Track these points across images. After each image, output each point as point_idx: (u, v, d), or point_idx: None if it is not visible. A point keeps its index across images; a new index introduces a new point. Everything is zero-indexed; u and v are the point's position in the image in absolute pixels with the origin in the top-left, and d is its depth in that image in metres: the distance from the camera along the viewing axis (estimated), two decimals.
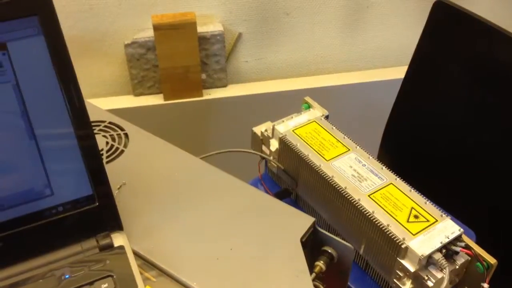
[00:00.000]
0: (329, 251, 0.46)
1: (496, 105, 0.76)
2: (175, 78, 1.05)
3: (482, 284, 0.57)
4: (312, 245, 0.47)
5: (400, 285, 0.58)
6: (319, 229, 0.46)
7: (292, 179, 0.71)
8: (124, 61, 1.06)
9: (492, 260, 0.57)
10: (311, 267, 0.45)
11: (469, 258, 0.58)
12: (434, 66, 0.84)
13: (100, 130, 0.56)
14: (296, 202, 0.73)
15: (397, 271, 0.58)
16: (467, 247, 0.58)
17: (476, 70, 0.78)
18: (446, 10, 0.78)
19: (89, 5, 0.98)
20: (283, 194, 0.73)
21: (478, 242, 0.59)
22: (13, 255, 0.41)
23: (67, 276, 0.40)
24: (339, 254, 0.46)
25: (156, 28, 0.98)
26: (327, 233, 0.46)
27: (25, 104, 0.41)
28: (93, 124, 0.56)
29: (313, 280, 0.45)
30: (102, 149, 0.54)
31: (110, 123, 0.57)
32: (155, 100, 1.08)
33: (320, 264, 0.46)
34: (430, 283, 0.56)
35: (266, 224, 0.46)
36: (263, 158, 0.75)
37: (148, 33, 1.02)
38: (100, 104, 1.03)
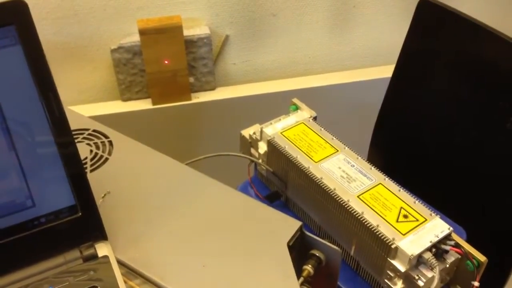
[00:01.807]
0: (317, 254, 0.46)
1: (483, 103, 0.76)
2: (163, 82, 1.04)
3: (473, 282, 0.57)
4: (300, 249, 0.47)
5: (391, 285, 0.58)
6: (307, 232, 0.46)
7: (281, 182, 0.70)
8: (110, 66, 1.05)
9: (482, 258, 0.57)
10: (299, 271, 0.45)
11: (459, 257, 0.58)
12: (421, 64, 0.84)
13: (84, 138, 0.56)
14: (286, 205, 0.73)
15: (387, 271, 0.58)
16: (456, 245, 0.58)
17: (463, 68, 0.78)
18: (431, 8, 0.78)
19: (73, 10, 0.97)
20: (273, 197, 0.72)
21: (468, 239, 0.59)
22: None
23: None
24: (327, 257, 0.46)
25: (142, 32, 0.98)
26: (314, 236, 0.46)
27: (4, 115, 0.40)
28: (76, 132, 0.56)
29: (301, 284, 0.45)
30: (86, 158, 0.53)
31: (94, 130, 0.57)
32: (143, 105, 1.08)
33: (308, 268, 0.46)
34: (420, 283, 0.56)
35: (252, 230, 0.46)
36: (252, 161, 0.74)
37: (134, 38, 1.02)
38: (88, 110, 1.03)
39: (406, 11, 1.10)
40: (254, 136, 0.73)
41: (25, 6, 0.40)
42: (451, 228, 0.58)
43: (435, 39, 0.80)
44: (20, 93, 0.41)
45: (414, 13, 0.80)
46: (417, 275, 0.56)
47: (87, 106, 1.07)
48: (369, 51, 1.18)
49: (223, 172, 0.68)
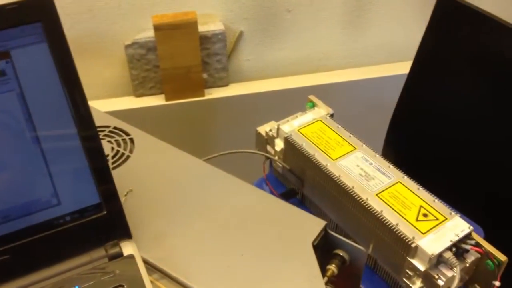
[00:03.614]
0: (341, 254, 0.46)
1: (501, 100, 0.75)
2: (177, 78, 1.04)
3: (494, 282, 0.57)
4: (323, 248, 0.47)
5: (410, 284, 0.58)
6: (331, 232, 0.46)
7: (298, 179, 0.70)
8: (124, 62, 1.05)
9: (502, 257, 0.56)
10: (323, 271, 0.45)
11: (479, 256, 0.57)
12: (438, 61, 0.83)
13: (105, 135, 0.56)
14: (302, 202, 0.73)
15: (406, 270, 0.57)
16: (477, 244, 0.57)
17: (481, 65, 0.77)
18: (451, 4, 0.77)
19: (88, 6, 0.97)
20: (289, 194, 0.72)
21: (486, 239, 0.58)
22: (21, 267, 0.40)
23: (77, 287, 0.40)
24: (351, 257, 0.46)
25: (157, 28, 0.98)
26: (338, 236, 0.45)
27: (30, 113, 0.40)
28: (97, 129, 0.55)
29: (325, 283, 0.44)
30: (107, 155, 0.53)
31: (115, 128, 0.57)
32: (157, 100, 1.07)
33: (332, 268, 0.46)
34: (440, 282, 0.56)
35: (276, 228, 0.46)
36: (268, 158, 0.74)
37: (148, 34, 1.01)
38: (101, 106, 1.03)
39: (423, 7, 1.09)
40: (270, 133, 0.72)
41: (52, 3, 0.40)
42: (471, 227, 0.58)
43: (454, 36, 0.79)
44: (46, 90, 0.41)
45: (433, 9, 0.80)
46: (437, 275, 0.56)
47: (100, 101, 1.07)
48: (384, 48, 1.17)
49: (237, 168, 0.68)
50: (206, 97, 1.08)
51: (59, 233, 0.41)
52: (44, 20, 0.40)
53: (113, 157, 0.53)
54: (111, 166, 0.52)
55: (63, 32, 0.40)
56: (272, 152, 0.73)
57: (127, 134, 0.56)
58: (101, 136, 0.55)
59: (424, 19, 0.81)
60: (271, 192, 0.73)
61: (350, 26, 1.12)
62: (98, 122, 0.51)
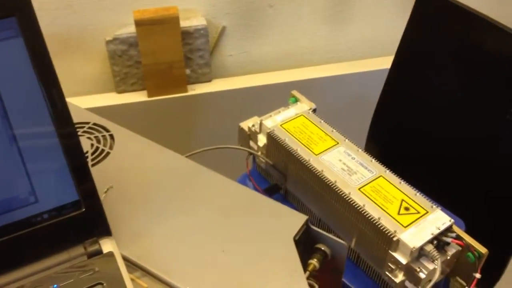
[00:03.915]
0: (323, 248, 0.46)
1: (483, 94, 0.76)
2: (159, 74, 1.03)
3: (474, 274, 0.57)
4: (305, 243, 0.47)
5: (392, 278, 0.58)
6: (312, 226, 0.46)
7: (281, 174, 0.70)
8: (105, 58, 1.04)
9: (483, 250, 0.57)
10: (304, 265, 0.45)
11: (460, 249, 0.58)
12: (420, 55, 0.83)
13: (84, 132, 0.55)
14: (286, 197, 0.73)
15: (389, 263, 0.58)
16: (458, 237, 0.58)
17: (463, 60, 0.78)
18: None
19: (68, 1, 0.95)
20: (272, 190, 0.72)
21: (467, 231, 0.59)
22: None
23: (55, 286, 0.39)
24: (333, 251, 0.46)
25: (138, 23, 0.97)
26: (320, 230, 0.45)
27: (5, 109, 0.39)
28: (76, 126, 0.55)
29: (307, 278, 0.44)
30: (87, 152, 0.52)
31: (94, 124, 0.56)
32: (139, 97, 1.06)
33: (314, 262, 0.46)
34: (422, 275, 0.56)
35: (258, 224, 0.46)
36: (251, 153, 0.74)
37: (130, 29, 1.00)
38: (82, 103, 1.02)
39: (405, 1, 1.10)
40: (253, 129, 0.72)
41: None
42: (452, 220, 0.58)
43: (435, 31, 0.80)
44: (21, 86, 0.40)
45: (414, 3, 0.80)
46: (419, 267, 0.56)
47: (81, 98, 1.06)
48: (367, 43, 1.18)
49: (220, 164, 0.68)
50: (189, 93, 1.08)
51: (37, 231, 0.41)
52: (19, 14, 0.39)
53: (92, 153, 0.53)
54: (90, 163, 0.51)
55: (39, 27, 0.40)
56: (255, 147, 0.73)
57: (107, 131, 0.55)
58: (80, 133, 0.55)
59: (406, 13, 0.82)
60: (255, 188, 0.73)
61: (332, 21, 1.12)
62: (77, 118, 0.50)
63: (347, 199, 0.60)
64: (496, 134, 0.75)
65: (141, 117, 1.06)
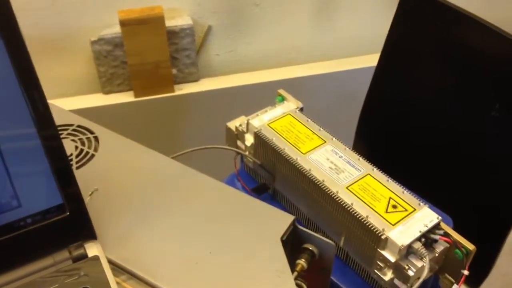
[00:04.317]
0: (310, 248, 0.46)
1: (468, 91, 0.76)
2: (145, 74, 1.03)
3: (462, 271, 0.57)
4: (292, 243, 0.46)
5: (381, 276, 0.58)
6: (299, 226, 0.46)
7: (269, 174, 0.70)
8: (91, 58, 1.03)
9: (470, 247, 0.57)
10: (292, 266, 0.45)
11: (448, 246, 0.58)
12: (405, 52, 0.84)
13: (68, 134, 0.54)
14: (274, 197, 0.73)
15: (377, 262, 0.58)
16: (445, 234, 0.58)
17: (448, 56, 0.78)
18: None
19: (51, 1, 0.94)
20: (261, 189, 0.72)
21: (455, 228, 0.59)
22: None
23: None
24: (320, 251, 0.46)
25: (123, 23, 0.96)
26: (307, 230, 0.45)
27: None
28: (60, 128, 0.54)
29: (295, 278, 0.44)
30: (71, 154, 0.52)
31: (78, 126, 0.55)
32: (125, 97, 1.06)
33: (302, 262, 0.46)
34: (411, 272, 0.56)
35: (245, 225, 0.46)
36: (238, 153, 0.73)
37: (115, 29, 0.99)
38: (68, 104, 1.01)
39: None
40: (240, 128, 0.72)
41: None
42: (440, 217, 0.58)
43: (420, 27, 0.80)
44: (2, 88, 0.39)
45: (399, 1, 0.80)
46: (407, 265, 0.56)
47: (67, 99, 1.04)
48: (353, 40, 1.18)
49: (208, 165, 0.67)
50: (176, 93, 1.07)
51: (21, 236, 0.40)
52: None
53: (77, 156, 0.52)
54: (75, 165, 0.51)
55: (19, 28, 0.39)
56: (243, 147, 0.73)
57: (92, 133, 0.55)
58: (64, 135, 0.54)
59: (392, 11, 0.82)
60: (243, 188, 0.73)
61: (318, 19, 1.12)
62: (60, 120, 0.49)
63: (335, 198, 0.60)
64: (483, 130, 0.76)
65: (128, 118, 1.06)
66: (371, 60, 1.01)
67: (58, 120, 0.40)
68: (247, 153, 0.72)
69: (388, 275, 0.58)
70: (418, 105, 0.84)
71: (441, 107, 0.81)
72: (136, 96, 1.05)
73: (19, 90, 0.39)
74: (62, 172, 0.41)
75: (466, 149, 0.78)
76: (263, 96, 0.78)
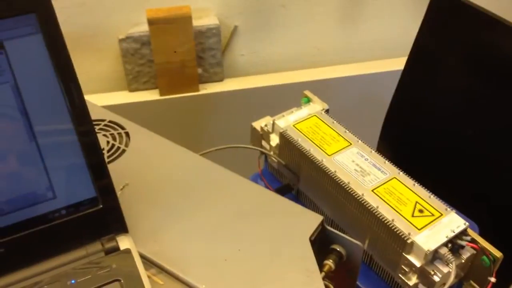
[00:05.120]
0: (338, 249, 0.46)
1: (496, 96, 0.75)
2: (171, 73, 1.04)
3: (489, 278, 0.57)
4: (320, 244, 0.46)
5: (406, 280, 0.58)
6: (328, 227, 0.46)
7: (293, 175, 0.70)
8: (118, 56, 1.04)
9: (498, 254, 0.57)
10: (319, 266, 0.45)
11: (475, 252, 0.57)
12: (433, 57, 0.83)
13: (100, 129, 0.55)
14: (298, 198, 0.73)
15: (402, 266, 0.58)
16: (473, 241, 0.57)
17: (476, 62, 0.77)
18: (446, 0, 0.77)
19: (81, 0, 0.96)
20: (284, 190, 0.72)
21: (481, 235, 0.59)
22: (16, 261, 0.40)
23: (73, 282, 0.39)
24: (348, 252, 0.46)
25: (151, 22, 0.97)
26: (335, 231, 0.45)
27: (25, 105, 0.39)
28: (93, 123, 0.55)
29: (323, 279, 0.44)
30: (103, 149, 0.53)
31: (110, 121, 0.56)
32: (151, 95, 1.07)
33: (329, 263, 0.46)
34: (436, 278, 0.56)
35: (273, 223, 0.46)
36: (263, 153, 0.74)
37: (143, 28, 1.01)
38: (95, 101, 1.01)
39: (419, 2, 1.09)
40: (265, 128, 0.72)
41: None
42: (467, 223, 0.58)
43: (449, 32, 0.79)
44: (40, 83, 0.40)
45: (428, 4, 0.80)
46: (433, 270, 0.56)
47: (93, 96, 1.06)
48: (379, 44, 1.17)
49: (232, 164, 0.68)
50: (200, 92, 1.08)
51: (55, 227, 0.41)
52: (39, 11, 0.39)
53: (108, 151, 0.53)
54: (106, 160, 0.51)
55: (58, 23, 0.40)
56: (267, 147, 0.73)
57: (123, 128, 0.55)
58: (96, 130, 0.55)
59: (420, 14, 0.81)
60: (266, 188, 0.73)
61: (345, 21, 1.12)
62: (93, 115, 0.50)
63: (360, 200, 0.60)
64: (509, 136, 0.75)
65: (153, 116, 1.07)
66: (397, 64, 1.00)
67: (91, 115, 0.41)
68: (271, 153, 0.72)
69: (413, 280, 0.57)
70: (444, 110, 0.83)
71: (468, 111, 0.80)
72: (161, 94, 1.06)
73: (57, 85, 0.40)
74: (97, 166, 0.42)
75: (494, 155, 0.77)
76: (288, 97, 0.78)
